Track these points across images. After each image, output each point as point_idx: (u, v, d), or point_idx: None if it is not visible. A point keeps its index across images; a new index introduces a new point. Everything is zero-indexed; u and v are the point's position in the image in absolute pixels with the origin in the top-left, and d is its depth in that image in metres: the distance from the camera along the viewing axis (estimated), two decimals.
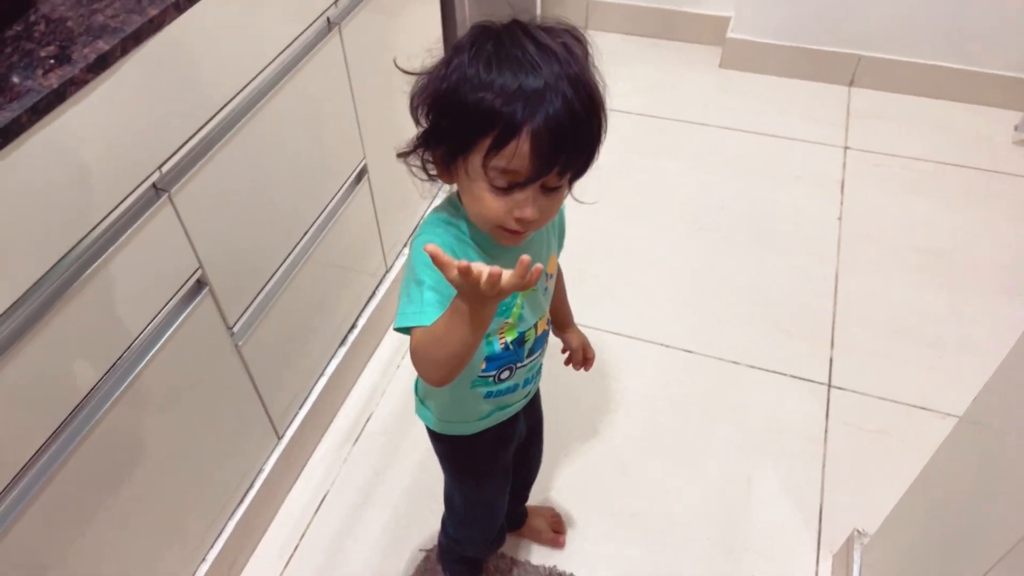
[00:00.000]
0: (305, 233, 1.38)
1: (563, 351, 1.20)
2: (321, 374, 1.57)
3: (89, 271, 0.93)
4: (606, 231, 2.03)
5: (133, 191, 0.97)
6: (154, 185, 1.01)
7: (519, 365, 0.98)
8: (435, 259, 0.68)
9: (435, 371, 0.79)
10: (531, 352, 0.98)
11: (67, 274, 0.91)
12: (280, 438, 1.47)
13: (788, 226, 2.04)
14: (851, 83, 2.48)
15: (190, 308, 1.12)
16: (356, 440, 1.61)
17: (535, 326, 0.96)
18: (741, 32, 2.51)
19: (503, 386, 0.99)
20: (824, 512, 1.47)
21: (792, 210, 2.08)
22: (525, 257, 0.66)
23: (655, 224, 2.06)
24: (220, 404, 1.26)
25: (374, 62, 1.46)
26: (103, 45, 0.88)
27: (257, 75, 1.15)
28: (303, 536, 1.46)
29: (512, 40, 0.74)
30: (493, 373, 0.96)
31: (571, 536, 1.45)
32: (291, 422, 1.50)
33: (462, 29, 1.86)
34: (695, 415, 1.64)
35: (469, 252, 0.85)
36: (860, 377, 1.69)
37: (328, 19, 1.31)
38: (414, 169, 0.84)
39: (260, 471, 1.43)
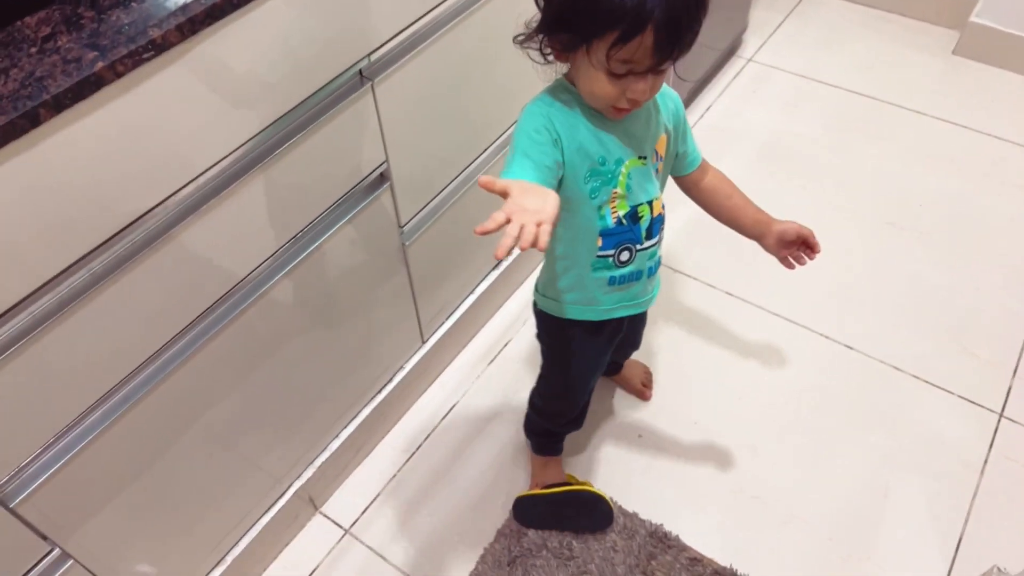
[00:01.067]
0: (487, 148, 1.40)
1: (783, 254, 1.15)
2: (472, 291, 1.61)
3: (289, 143, 0.98)
4: (785, 205, 1.92)
5: (342, 74, 1.01)
6: (360, 72, 1.05)
7: (638, 247, 1.02)
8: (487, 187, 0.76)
9: None
10: (649, 234, 1.02)
11: (271, 142, 0.97)
12: (424, 342, 1.53)
13: (995, 238, 1.85)
14: None
15: (370, 199, 1.17)
16: (492, 360, 1.65)
17: (650, 204, 1.01)
18: (987, 17, 2.26)
19: (626, 271, 1.04)
20: (963, 543, 1.36)
21: (1005, 221, 1.88)
22: (481, 178, 0.76)
23: (841, 209, 1.93)
24: (378, 297, 1.32)
25: None
26: None
27: None
28: (428, 437, 1.53)
29: None
30: (612, 252, 1.01)
31: (684, 499, 1.42)
32: (437, 329, 1.55)
33: None
34: (843, 414, 1.55)
35: (578, 124, 0.92)
36: None
37: None
38: (531, 53, 0.90)
39: (400, 368, 1.49)
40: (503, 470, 1.47)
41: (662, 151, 1.02)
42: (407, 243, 1.30)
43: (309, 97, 0.98)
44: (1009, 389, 1.57)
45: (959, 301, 1.72)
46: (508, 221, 0.73)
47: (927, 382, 1.59)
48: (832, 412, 1.55)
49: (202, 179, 0.90)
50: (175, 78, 0.81)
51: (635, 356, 1.52)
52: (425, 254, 1.37)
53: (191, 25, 0.79)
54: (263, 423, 1.21)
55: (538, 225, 0.73)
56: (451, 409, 1.57)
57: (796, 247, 1.14)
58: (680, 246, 1.85)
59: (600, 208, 0.98)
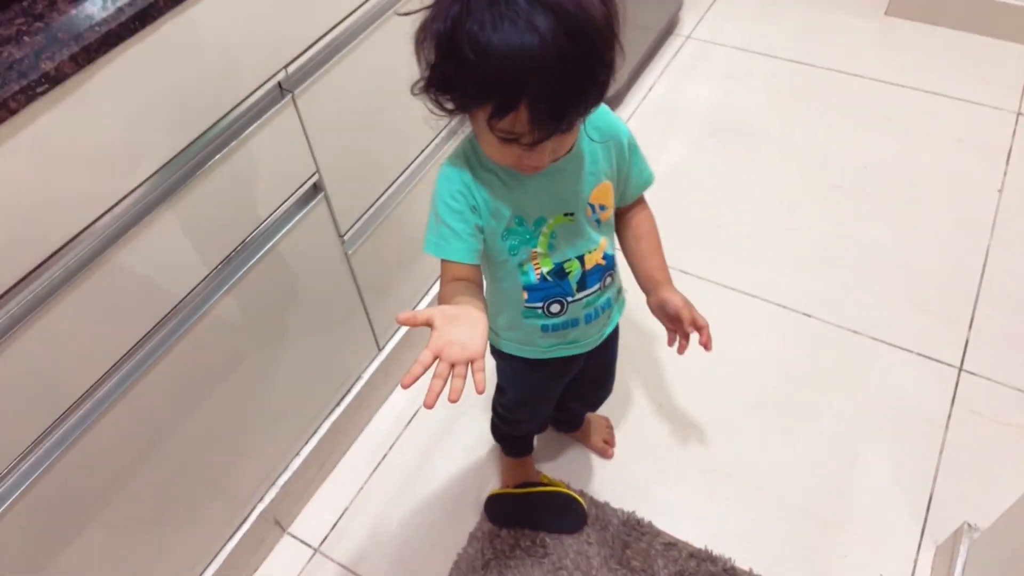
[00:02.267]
0: (419, 154, 1.37)
1: (668, 327, 1.02)
2: (425, 293, 1.58)
3: (213, 161, 0.95)
4: (734, 179, 1.93)
5: (260, 87, 0.98)
6: (279, 84, 1.02)
7: (570, 299, 0.97)
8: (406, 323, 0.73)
9: None
10: (582, 286, 0.97)
11: (193, 161, 0.94)
12: (380, 350, 1.50)
13: (939, 194, 1.87)
14: None
15: (305, 211, 1.14)
16: None
17: (580, 259, 0.94)
18: None
19: (558, 320, 0.99)
20: (934, 501, 1.37)
21: (947, 177, 1.90)
22: (399, 316, 0.72)
23: (789, 177, 1.93)
24: (327, 309, 1.30)
25: None
26: None
27: None
28: (392, 445, 1.50)
29: None
30: (539, 305, 0.97)
31: (655, 484, 1.42)
32: (392, 336, 1.53)
33: None
34: (806, 382, 1.55)
35: (493, 182, 0.85)
36: (996, 364, 1.54)
37: None
38: (431, 105, 0.78)
39: (358, 379, 1.47)
40: (472, 473, 1.45)
41: (605, 200, 0.93)
42: (350, 252, 1.28)
43: (229, 112, 0.95)
44: (966, 342, 1.59)
45: (909, 259, 1.74)
46: (436, 358, 0.70)
47: (885, 343, 1.60)
48: (795, 382, 1.55)
49: (120, 207, 0.86)
50: (74, 109, 0.77)
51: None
52: (370, 261, 1.34)
53: (86, 55, 0.76)
54: (220, 446, 1.18)
55: (471, 364, 0.71)
56: (414, 415, 1.54)
57: (676, 326, 1.00)
58: None
59: (521, 265, 0.92)
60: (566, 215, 0.90)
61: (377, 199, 1.30)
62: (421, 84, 0.76)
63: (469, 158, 0.86)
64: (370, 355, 1.48)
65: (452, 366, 0.70)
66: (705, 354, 1.01)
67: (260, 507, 1.31)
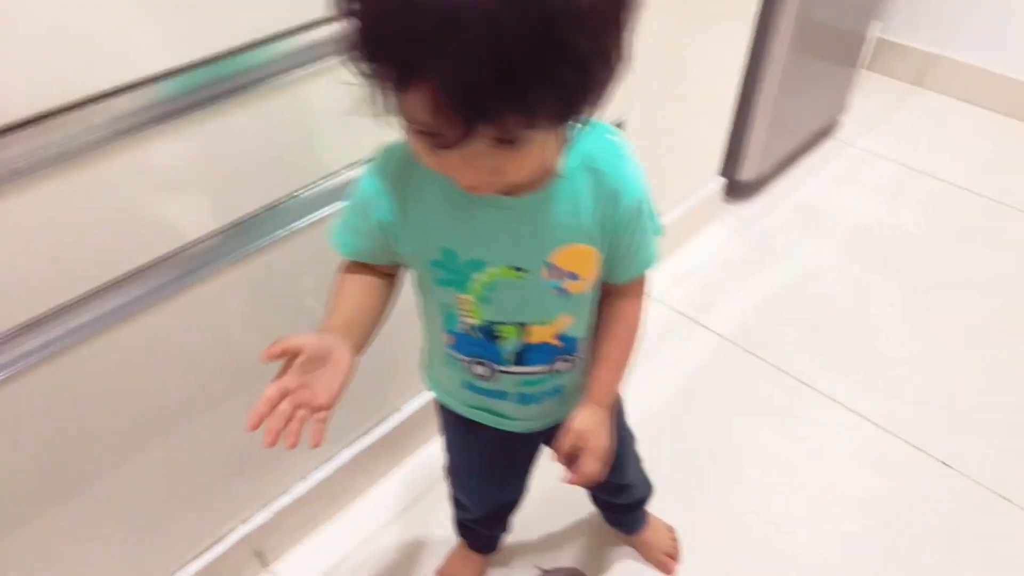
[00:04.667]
0: None
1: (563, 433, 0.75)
2: None
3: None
4: (878, 298, 1.66)
5: None
6: None
7: (501, 368, 0.75)
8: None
9: None
10: (520, 361, 0.74)
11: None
12: None
13: None
14: None
15: None
16: None
17: (520, 328, 0.72)
18: None
19: (483, 385, 0.77)
20: None
21: None
22: (271, 348, 0.58)
23: (944, 309, 1.64)
24: None
25: None
26: None
27: None
28: (418, 499, 1.28)
29: None
30: (463, 358, 0.75)
31: None
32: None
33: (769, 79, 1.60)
34: (936, 542, 1.23)
35: (427, 190, 0.65)
36: None
37: None
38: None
39: (397, 410, 1.26)
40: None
41: (578, 267, 0.69)
42: None
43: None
44: None
45: None
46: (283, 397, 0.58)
47: None
48: (921, 538, 1.23)
49: None
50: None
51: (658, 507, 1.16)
52: None
53: None
54: (217, 443, 0.99)
55: (314, 413, 0.59)
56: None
57: (567, 447, 0.74)
58: (750, 320, 1.59)
59: (446, 305, 0.72)
60: (514, 268, 0.68)
61: None
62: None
63: (401, 156, 0.65)
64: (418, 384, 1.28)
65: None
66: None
67: (243, 529, 1.10)
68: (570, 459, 0.73)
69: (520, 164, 0.56)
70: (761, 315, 1.61)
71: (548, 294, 0.70)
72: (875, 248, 1.78)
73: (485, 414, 0.82)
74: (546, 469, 0.87)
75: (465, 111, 0.48)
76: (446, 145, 0.52)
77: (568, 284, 0.70)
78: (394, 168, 0.66)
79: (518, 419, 0.82)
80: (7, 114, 0.62)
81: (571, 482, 0.74)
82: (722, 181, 1.82)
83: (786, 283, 1.69)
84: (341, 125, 0.71)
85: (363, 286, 0.71)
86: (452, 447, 0.95)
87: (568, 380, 0.79)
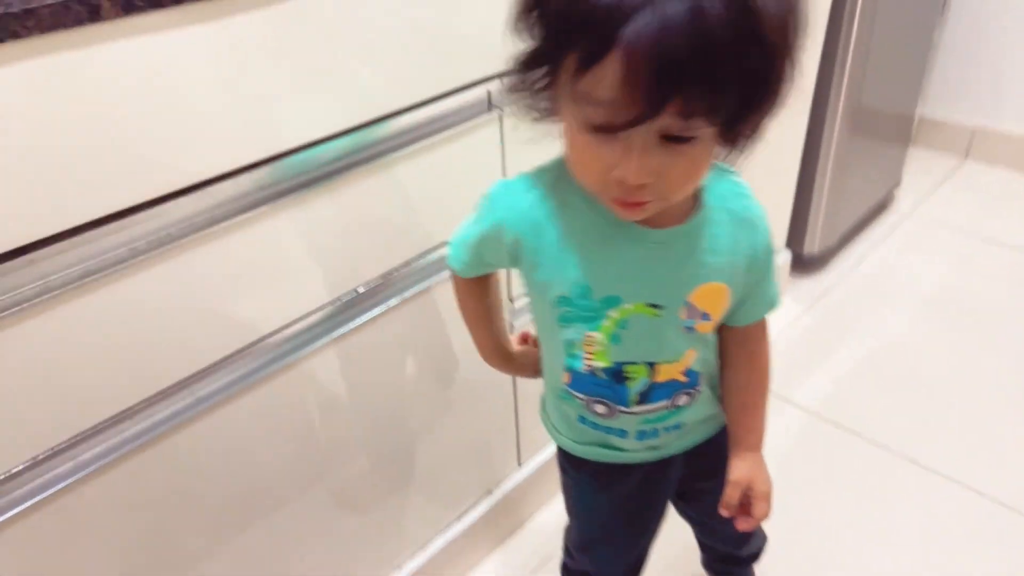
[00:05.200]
0: None
1: (730, 485, 0.76)
2: None
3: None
4: (967, 363, 1.60)
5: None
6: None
7: (623, 409, 0.72)
8: None
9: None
10: (643, 400, 0.71)
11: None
12: (520, 466, 1.24)
13: None
14: None
15: None
16: None
17: (650, 368, 0.70)
18: None
19: (601, 422, 0.74)
20: None
21: None
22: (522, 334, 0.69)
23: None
24: (471, 388, 1.08)
25: None
26: None
27: None
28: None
29: None
30: (582, 396, 0.72)
31: None
32: (536, 454, 1.26)
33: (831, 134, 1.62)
34: None
35: (571, 215, 0.65)
36: None
37: None
38: (521, 104, 0.58)
39: (489, 492, 1.20)
40: None
41: (711, 306, 0.69)
42: (515, 323, 1.07)
43: None
44: None
45: None
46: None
47: None
48: None
49: None
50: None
51: None
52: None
53: None
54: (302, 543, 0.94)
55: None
56: (545, 561, 1.24)
57: (739, 495, 0.76)
58: (839, 394, 1.53)
59: (570, 345, 0.70)
60: (651, 306, 0.66)
61: None
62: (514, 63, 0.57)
63: (533, 188, 0.66)
64: (508, 469, 1.22)
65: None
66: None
67: None
68: (740, 509, 0.74)
69: (683, 170, 0.56)
70: (849, 388, 1.55)
71: (679, 333, 0.69)
72: (954, 315, 1.73)
73: (601, 450, 0.78)
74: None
75: (660, 78, 0.48)
76: (627, 122, 0.50)
77: (700, 325, 0.69)
78: (542, 192, 0.66)
79: (637, 451, 0.78)
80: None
81: (746, 528, 0.75)
82: (788, 255, 1.80)
83: (870, 354, 1.63)
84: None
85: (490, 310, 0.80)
86: (580, 500, 0.88)
87: (687, 416, 0.76)
